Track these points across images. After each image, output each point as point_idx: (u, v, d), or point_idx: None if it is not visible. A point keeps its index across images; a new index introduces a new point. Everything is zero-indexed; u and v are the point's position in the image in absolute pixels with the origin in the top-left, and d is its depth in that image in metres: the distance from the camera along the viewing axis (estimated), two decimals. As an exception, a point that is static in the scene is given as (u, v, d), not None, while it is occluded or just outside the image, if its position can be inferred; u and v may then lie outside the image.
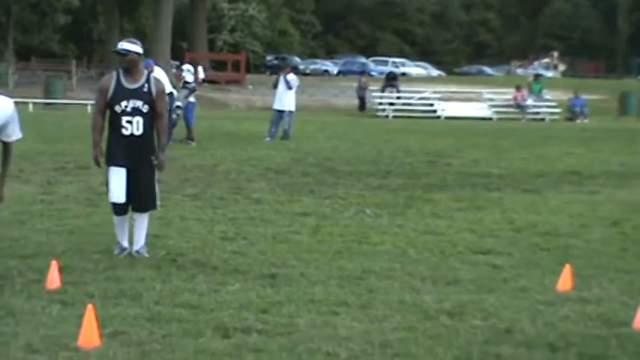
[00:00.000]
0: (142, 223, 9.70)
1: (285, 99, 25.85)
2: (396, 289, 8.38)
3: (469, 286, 8.59)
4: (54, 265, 8.27)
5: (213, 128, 27.16)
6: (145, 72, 9.63)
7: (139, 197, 9.57)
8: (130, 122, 9.41)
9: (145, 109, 9.43)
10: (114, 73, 9.58)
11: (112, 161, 9.52)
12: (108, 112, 9.56)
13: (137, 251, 9.62)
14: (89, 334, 6.48)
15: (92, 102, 40.49)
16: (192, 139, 23.32)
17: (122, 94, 9.41)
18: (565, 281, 8.53)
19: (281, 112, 25.69)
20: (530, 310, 7.69)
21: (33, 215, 12.02)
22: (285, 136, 25.33)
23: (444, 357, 6.37)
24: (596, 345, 6.74)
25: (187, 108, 23.76)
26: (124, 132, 9.42)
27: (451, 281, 8.80)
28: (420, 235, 11.41)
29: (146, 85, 9.47)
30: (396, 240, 10.98)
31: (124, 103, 9.38)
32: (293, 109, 25.88)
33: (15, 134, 8.14)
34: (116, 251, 9.66)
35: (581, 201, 14.68)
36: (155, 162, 9.57)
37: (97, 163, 9.75)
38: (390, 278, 8.87)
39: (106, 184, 9.70)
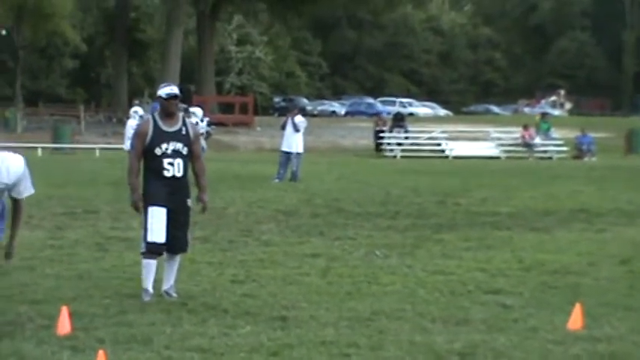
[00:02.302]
0: (174, 264, 9.81)
1: (293, 141, 25.94)
2: (407, 330, 8.36)
3: (480, 326, 8.57)
4: (64, 311, 8.27)
5: (222, 170, 27.22)
6: (181, 115, 9.80)
7: (177, 238, 9.66)
8: (171, 164, 9.57)
9: (185, 151, 9.63)
10: (150, 118, 9.80)
11: (152, 202, 9.57)
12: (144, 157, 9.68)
13: (166, 292, 9.70)
14: (101, 380, 6.47)
15: (100, 146, 40.63)
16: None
17: (162, 137, 9.56)
18: (575, 320, 8.52)
19: (289, 153, 25.78)
20: (540, 349, 7.67)
21: (42, 261, 12.04)
22: (294, 177, 25.40)
23: (455, 398, 6.35)
24: (608, 384, 6.72)
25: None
26: (166, 174, 9.57)
27: (461, 321, 8.78)
28: (429, 275, 11.40)
29: (184, 128, 9.70)
30: (405, 280, 10.97)
31: (164, 146, 9.53)
32: (301, 150, 25.97)
33: (26, 191, 8.14)
34: (145, 298, 9.59)
35: (589, 239, 14.66)
36: (197, 204, 9.78)
37: (137, 209, 9.75)
38: (400, 319, 8.86)
39: (144, 225, 9.68)
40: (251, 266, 11.86)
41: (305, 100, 79.36)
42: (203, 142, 24.35)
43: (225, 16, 68.72)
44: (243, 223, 16.31)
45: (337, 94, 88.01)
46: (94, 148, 38.99)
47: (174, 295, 9.69)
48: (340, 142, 50.04)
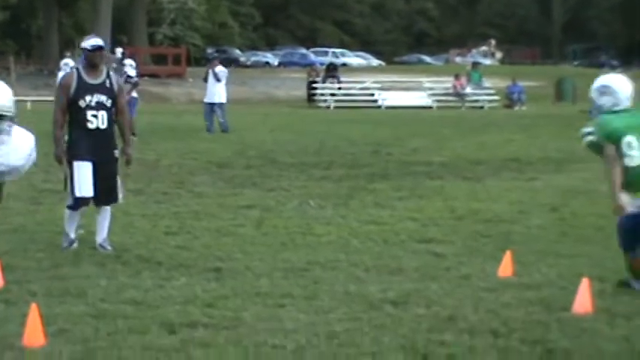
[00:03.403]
0: (105, 216, 9.76)
1: (215, 92, 25.82)
2: (341, 280, 8.40)
3: (412, 275, 8.64)
4: (-4, 265, 8.18)
5: (155, 122, 27.00)
6: (105, 68, 9.76)
7: (105, 191, 9.64)
8: (95, 116, 9.56)
9: (109, 103, 9.62)
10: (74, 70, 9.80)
11: (77, 156, 9.54)
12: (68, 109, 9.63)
13: (101, 245, 9.67)
14: (34, 333, 6.42)
15: (32, 99, 40.05)
16: (133, 134, 23.14)
17: (86, 89, 9.52)
18: (506, 267, 8.62)
19: (212, 104, 25.64)
20: (472, 297, 7.76)
21: (-26, 214, 11.87)
22: (223, 128, 25.26)
23: (389, 346, 6.41)
24: (538, 330, 6.82)
25: (130, 102, 23.59)
26: (90, 126, 9.55)
27: (395, 270, 8.85)
28: (363, 225, 11.45)
29: (108, 80, 9.70)
30: (339, 231, 11.01)
31: (88, 98, 9.49)
32: (224, 100, 25.78)
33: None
34: (65, 244, 9.66)
35: (520, 188, 14.84)
36: (123, 157, 9.77)
37: (60, 161, 9.73)
38: (334, 269, 8.90)
39: (69, 179, 9.62)
40: (185, 218, 11.82)
41: (238, 51, 78.75)
42: (135, 93, 24.14)
43: (157, -35, 67.82)
44: (177, 175, 16.23)
45: (270, 45, 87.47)
46: (25, 101, 38.36)
47: (109, 247, 9.64)
48: (274, 93, 49.89)
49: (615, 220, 8.21)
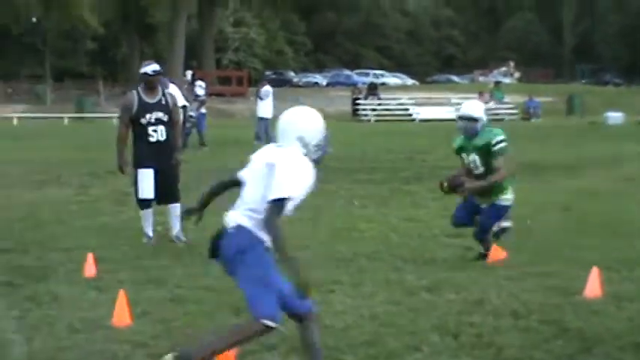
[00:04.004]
0: (174, 212, 9.80)
1: (259, 107, 26.01)
2: (382, 269, 8.38)
3: (444, 265, 8.60)
4: (90, 257, 8.26)
5: (222, 135, 27.10)
6: (160, 88, 9.79)
7: (170, 190, 9.71)
8: (155, 131, 9.63)
9: (166, 118, 9.66)
10: (134, 92, 9.78)
11: (140, 165, 9.63)
12: (132, 125, 9.70)
13: (176, 236, 9.78)
14: (121, 315, 6.47)
15: (117, 115, 40.58)
16: (204, 145, 23.29)
17: (146, 108, 9.57)
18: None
19: (259, 118, 25.70)
20: (496, 284, 7.70)
21: (71, 214, 12.00)
22: (268, 139, 25.34)
23: (424, 327, 6.38)
24: (554, 312, 6.75)
25: (199, 118, 23.76)
26: (151, 139, 9.60)
27: (429, 261, 8.81)
28: (401, 221, 11.42)
29: (163, 98, 9.75)
30: (381, 227, 10.99)
31: (148, 116, 9.52)
32: (266, 115, 25.71)
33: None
34: (145, 240, 9.74)
35: (537, 189, 14.69)
36: (174, 161, 9.77)
37: (122, 171, 9.85)
38: (376, 260, 8.87)
39: (135, 185, 9.74)
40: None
41: (292, 74, 78.87)
42: (204, 109, 24.32)
43: (223, 1, 68.13)
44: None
45: (320, 68, 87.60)
46: (111, 117, 38.73)
47: (184, 239, 9.72)
48: (323, 109, 49.82)
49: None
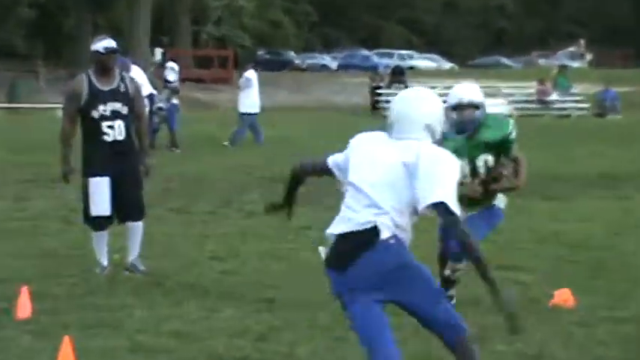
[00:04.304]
0: (135, 232, 9.82)
1: (239, 101, 26.16)
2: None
3: (491, 307, 8.55)
4: (24, 292, 8.26)
5: (199, 132, 27.14)
6: (117, 71, 9.76)
7: (131, 205, 9.70)
8: (111, 127, 9.55)
9: (125, 111, 9.60)
10: (83, 76, 9.73)
11: (92, 172, 9.57)
12: (80, 120, 9.67)
13: (132, 264, 9.74)
14: (66, 370, 6.46)
15: (62, 106, 40.66)
16: (176, 146, 23.33)
17: (99, 97, 9.50)
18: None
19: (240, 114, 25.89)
20: (560, 332, 7.68)
21: (4, 234, 12.01)
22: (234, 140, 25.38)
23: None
24: (636, 370, 6.74)
25: (170, 110, 23.79)
26: (106, 138, 9.52)
27: (471, 301, 8.77)
28: (434, 247, 11.38)
29: (122, 85, 9.69)
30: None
31: (101, 107, 9.47)
32: (246, 110, 25.73)
33: None
34: (97, 270, 9.74)
35: (613, 207, 14.67)
36: (141, 168, 9.77)
37: (67, 180, 9.82)
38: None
39: (84, 198, 9.71)
40: (233, 240, 11.84)
41: (292, 54, 79.03)
42: (176, 100, 24.33)
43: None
44: (224, 192, 16.28)
45: (328, 46, 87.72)
46: (54, 108, 38.81)
47: (142, 268, 9.70)
48: (333, 100, 49.94)
49: None
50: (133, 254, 9.83)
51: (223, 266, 10.29)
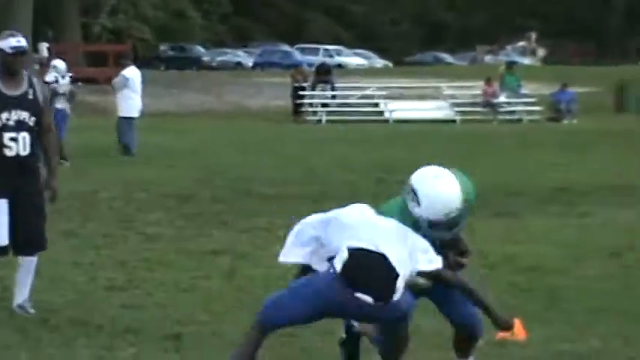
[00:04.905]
0: (29, 269, 9.63)
1: (117, 103, 26.40)
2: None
3: (432, 342, 8.62)
4: None
5: (92, 143, 26.97)
6: (26, 76, 9.59)
7: (28, 235, 9.52)
8: (14, 140, 9.39)
9: (32, 122, 9.45)
10: None
11: None
12: None
13: (20, 306, 9.57)
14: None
15: None
16: (64, 158, 23.16)
17: (2, 103, 9.36)
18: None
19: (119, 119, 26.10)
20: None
21: None
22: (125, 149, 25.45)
23: None
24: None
25: (56, 117, 23.60)
26: (8, 153, 9.38)
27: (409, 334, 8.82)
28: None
29: (30, 91, 9.50)
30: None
31: (4, 115, 9.32)
32: (125, 114, 25.81)
33: None
34: None
35: (570, 226, 14.84)
36: (47, 191, 9.60)
37: None
38: (334, 333, 8.87)
39: None
40: (133, 268, 11.79)
41: (201, 49, 78.93)
42: (66, 106, 24.16)
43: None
44: (122, 212, 16.21)
45: (242, 41, 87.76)
46: None
47: (32, 310, 9.56)
48: (247, 104, 49.93)
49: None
50: (24, 294, 9.62)
51: (121, 298, 10.23)
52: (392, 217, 7.37)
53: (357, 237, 6.99)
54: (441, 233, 7.14)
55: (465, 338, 7.49)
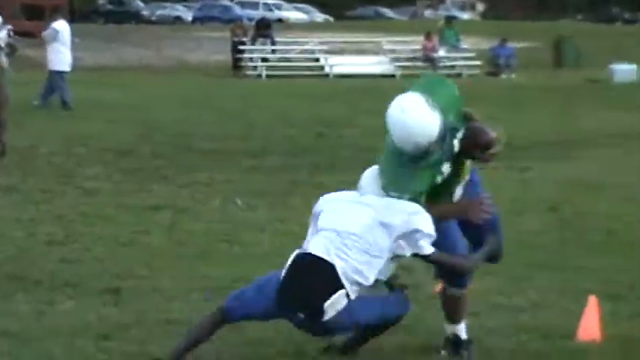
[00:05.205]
0: None
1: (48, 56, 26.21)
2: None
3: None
4: None
5: (29, 97, 26.75)
6: None
7: None
8: None
9: None
10: None
11: None
12: None
13: None
14: None
15: None
16: (2, 113, 22.98)
17: None
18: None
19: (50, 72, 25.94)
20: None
21: None
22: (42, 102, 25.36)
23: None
24: (534, 364, 6.92)
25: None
26: None
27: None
28: (307, 229, 11.46)
29: None
30: (275, 238, 11.04)
31: None
32: (53, 68, 25.73)
33: None
34: None
35: (509, 180, 14.93)
36: None
37: None
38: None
39: None
40: (72, 223, 11.76)
41: (140, 3, 78.35)
42: (4, 60, 23.94)
43: None
44: (61, 167, 16.12)
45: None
46: None
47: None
48: (187, 58, 49.65)
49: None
50: None
51: (61, 253, 10.20)
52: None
53: (324, 221, 7.02)
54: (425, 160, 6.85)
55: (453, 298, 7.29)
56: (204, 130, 20.81)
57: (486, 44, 45.60)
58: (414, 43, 45.00)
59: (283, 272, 6.72)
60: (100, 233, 11.19)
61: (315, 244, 6.78)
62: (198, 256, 10.18)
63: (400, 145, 6.89)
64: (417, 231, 6.74)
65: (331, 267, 6.60)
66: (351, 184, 14.89)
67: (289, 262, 6.75)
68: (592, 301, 7.50)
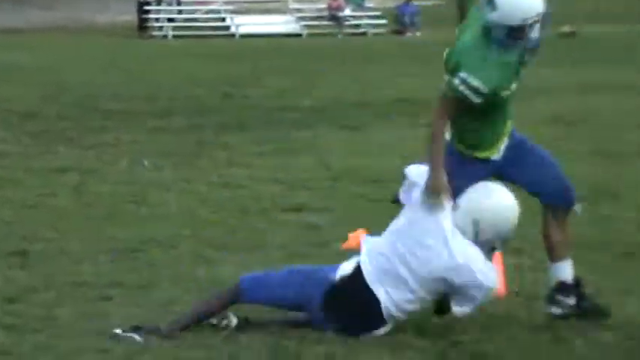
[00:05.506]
0: None
1: None
2: (186, 262, 8.42)
3: (278, 253, 8.70)
4: None
5: None
6: None
7: None
8: None
9: None
10: None
11: None
12: None
13: None
14: None
15: None
16: None
17: None
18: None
19: None
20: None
21: None
22: None
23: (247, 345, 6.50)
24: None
25: None
26: None
27: (255, 247, 8.89)
28: (213, 190, 11.48)
29: None
30: (182, 198, 11.02)
31: None
32: None
33: None
34: None
35: (415, 137, 14.97)
36: None
37: None
38: (176, 248, 8.90)
39: None
40: (-23, 186, 11.66)
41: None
42: None
43: None
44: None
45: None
46: None
47: None
48: (91, 19, 49.17)
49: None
50: None
51: (-35, 217, 10.12)
52: (467, 46, 7.25)
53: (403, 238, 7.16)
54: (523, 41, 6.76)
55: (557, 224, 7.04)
56: (111, 91, 20.66)
57: (391, 2, 45.67)
58: (320, 2, 44.95)
59: (337, 277, 6.79)
60: (7, 196, 11.09)
61: (375, 262, 6.85)
62: (106, 218, 10.13)
63: (503, 17, 6.85)
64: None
65: (377, 301, 6.66)
66: (257, 143, 14.97)
67: (350, 269, 6.83)
68: (496, 257, 7.57)
